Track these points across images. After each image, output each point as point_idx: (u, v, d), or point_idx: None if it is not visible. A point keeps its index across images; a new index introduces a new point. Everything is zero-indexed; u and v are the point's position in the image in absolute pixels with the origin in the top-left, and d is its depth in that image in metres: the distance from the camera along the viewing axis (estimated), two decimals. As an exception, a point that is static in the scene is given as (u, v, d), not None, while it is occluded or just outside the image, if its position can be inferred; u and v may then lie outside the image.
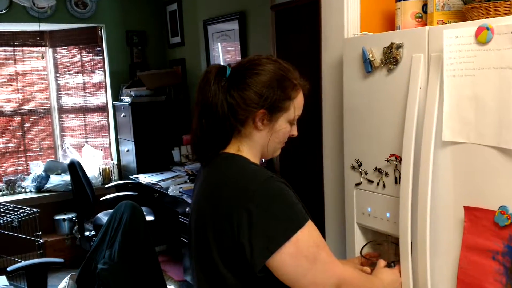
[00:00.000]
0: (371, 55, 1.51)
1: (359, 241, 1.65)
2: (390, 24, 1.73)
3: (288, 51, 2.90)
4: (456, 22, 1.43)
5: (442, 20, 1.46)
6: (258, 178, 1.06)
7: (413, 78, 1.38)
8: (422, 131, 1.35)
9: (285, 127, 1.17)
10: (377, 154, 1.54)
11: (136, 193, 3.72)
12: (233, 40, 3.60)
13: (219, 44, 3.81)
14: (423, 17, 1.56)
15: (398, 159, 1.45)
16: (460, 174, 1.30)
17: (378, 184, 1.54)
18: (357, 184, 1.62)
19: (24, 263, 2.69)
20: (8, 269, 2.58)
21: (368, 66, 1.53)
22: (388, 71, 1.47)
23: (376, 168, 1.54)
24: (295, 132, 1.20)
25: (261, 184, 1.04)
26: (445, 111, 1.30)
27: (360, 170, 1.60)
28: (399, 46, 1.43)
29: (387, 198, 1.51)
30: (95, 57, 4.44)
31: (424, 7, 1.55)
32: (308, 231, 1.04)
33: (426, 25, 1.52)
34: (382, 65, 1.49)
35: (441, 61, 1.29)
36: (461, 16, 1.44)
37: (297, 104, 1.17)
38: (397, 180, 1.47)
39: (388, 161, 1.50)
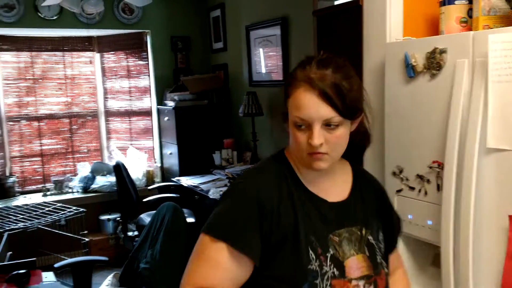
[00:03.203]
0: (413, 60, 1.49)
1: (400, 248, 1.63)
2: (434, 29, 1.70)
3: (329, 50, 2.89)
4: (502, 26, 1.39)
5: (488, 25, 1.43)
6: (242, 175, 1.13)
7: (457, 84, 1.36)
8: (466, 137, 1.33)
9: (293, 131, 1.01)
10: (419, 161, 1.51)
11: (178, 195, 3.80)
12: (274, 46, 3.63)
13: (260, 49, 3.85)
14: (468, 21, 1.53)
15: (441, 166, 1.43)
16: (504, 182, 1.27)
17: (419, 191, 1.52)
18: (398, 191, 1.60)
19: (70, 260, 2.81)
20: (55, 265, 2.70)
21: (411, 71, 1.51)
22: (431, 77, 1.45)
23: (417, 175, 1.52)
24: (310, 140, 0.98)
25: (236, 180, 1.10)
26: (490, 118, 1.27)
27: (401, 176, 1.58)
28: (443, 51, 1.40)
29: (429, 206, 1.49)
30: (141, 62, 4.58)
31: (469, 11, 1.52)
32: (209, 241, 1.00)
33: (471, 29, 1.48)
34: (425, 70, 1.47)
35: (486, 67, 1.27)
36: (507, 20, 1.41)
37: (293, 103, 1.00)
38: (439, 187, 1.44)
39: (430, 167, 1.47)
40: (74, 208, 3.59)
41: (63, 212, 3.57)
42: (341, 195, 1.09)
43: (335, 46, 2.86)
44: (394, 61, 1.58)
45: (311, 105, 0.97)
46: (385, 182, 1.67)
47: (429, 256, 1.62)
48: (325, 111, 0.96)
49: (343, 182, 1.11)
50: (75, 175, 4.48)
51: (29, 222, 3.39)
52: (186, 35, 4.57)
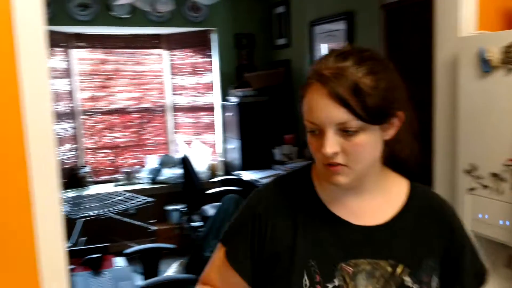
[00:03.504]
0: (489, 54, 1.44)
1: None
2: (509, 22, 1.63)
3: (399, 51, 2.83)
4: None
5: None
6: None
7: (538, 78, 1.29)
8: (547, 135, 1.26)
9: (308, 138, 0.87)
10: (493, 158, 1.46)
11: (242, 188, 3.88)
12: (339, 41, 3.60)
13: (324, 45, 3.83)
14: (551, 12, 1.45)
15: (518, 164, 1.37)
16: None
17: (494, 190, 1.47)
18: (471, 189, 1.55)
19: (140, 247, 2.95)
20: (126, 251, 2.84)
21: (486, 66, 1.46)
22: (507, 71, 1.39)
23: (492, 173, 1.47)
24: (322, 148, 0.82)
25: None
26: None
27: (474, 174, 1.53)
28: (522, 45, 1.34)
29: (504, 205, 1.43)
30: (206, 59, 4.71)
31: (553, 2, 1.44)
32: (220, 243, 0.98)
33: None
34: (501, 65, 1.41)
35: None
36: None
37: (305, 104, 0.85)
38: (515, 187, 1.38)
39: (506, 166, 1.41)
40: (143, 198, 3.77)
41: (132, 202, 3.76)
42: (378, 219, 0.90)
43: (404, 40, 2.80)
44: (468, 55, 1.53)
45: (320, 106, 0.81)
46: (456, 180, 1.62)
47: (503, 257, 1.56)
48: (337, 114, 0.80)
49: (386, 203, 0.91)
50: (144, 167, 4.69)
51: (102, 210, 3.60)
52: (250, 32, 4.63)
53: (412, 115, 0.90)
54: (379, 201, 0.91)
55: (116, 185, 4.48)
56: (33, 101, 1.21)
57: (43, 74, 1.22)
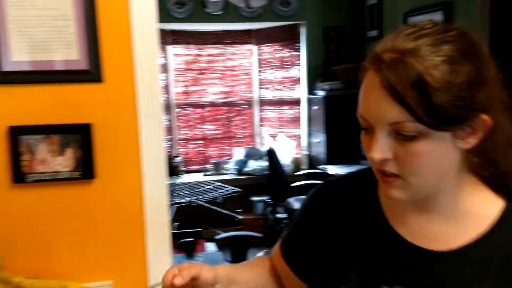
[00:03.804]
0: None
1: None
2: None
3: (505, 46, 2.65)
4: None
5: None
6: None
7: None
8: None
9: (361, 135, 0.72)
10: None
11: (326, 183, 3.87)
12: (434, 33, 3.44)
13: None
14: None
15: None
16: None
17: None
18: None
19: (230, 233, 3.08)
20: (216, 237, 2.98)
21: None
22: None
23: None
24: (370, 152, 0.67)
25: None
26: None
27: None
28: None
29: None
30: (294, 53, 4.74)
31: None
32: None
33: None
34: None
35: None
36: None
37: (359, 94, 0.71)
38: None
39: None
40: (231, 187, 3.90)
41: (221, 191, 3.91)
42: (446, 244, 0.71)
43: None
44: None
45: (371, 99, 0.66)
46: None
47: None
48: (390, 111, 0.63)
49: (463, 227, 0.71)
50: (231, 158, 4.85)
51: (193, 197, 3.78)
52: (339, 24, 4.58)
53: (509, 118, 0.69)
54: (453, 224, 0.71)
55: (204, 175, 4.67)
56: (145, 94, 1.32)
57: (154, 70, 1.32)
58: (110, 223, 1.35)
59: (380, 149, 0.65)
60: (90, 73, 1.25)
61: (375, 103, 0.65)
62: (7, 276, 1.23)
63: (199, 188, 3.98)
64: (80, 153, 1.27)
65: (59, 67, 1.23)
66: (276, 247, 0.91)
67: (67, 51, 1.23)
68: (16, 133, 1.23)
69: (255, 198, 4.56)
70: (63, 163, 1.27)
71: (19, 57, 1.20)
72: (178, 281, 0.74)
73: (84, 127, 1.27)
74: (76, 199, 1.31)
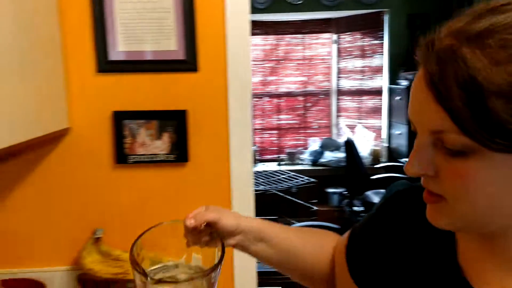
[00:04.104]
0: None
1: None
2: None
3: None
4: None
5: None
6: None
7: None
8: None
9: None
10: None
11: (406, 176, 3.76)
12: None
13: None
14: None
15: None
16: None
17: None
18: None
19: (307, 223, 3.10)
20: (292, 226, 3.02)
21: None
22: None
23: None
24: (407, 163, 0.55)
25: None
26: None
27: None
28: None
29: None
30: (375, 42, 4.62)
31: None
32: None
33: None
34: None
35: None
36: None
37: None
38: None
39: None
40: (306, 178, 3.92)
41: (296, 181, 3.94)
42: None
43: None
44: None
45: (415, 98, 0.53)
46: None
47: None
48: (431, 115, 0.50)
49: None
50: (306, 148, 4.85)
51: (268, 186, 3.85)
52: (425, 12, 4.39)
53: None
54: None
55: (278, 165, 4.72)
56: (236, 83, 1.36)
57: (246, 60, 1.36)
58: (200, 204, 1.41)
59: (417, 162, 0.53)
60: (187, 63, 1.32)
61: (418, 104, 0.52)
62: (107, 249, 1.34)
63: (274, 177, 4.04)
64: (175, 138, 1.35)
65: (158, 57, 1.31)
66: (344, 238, 0.81)
67: (166, 42, 1.30)
68: (120, 118, 1.33)
69: (330, 190, 4.54)
70: (160, 146, 1.35)
71: (124, 47, 1.30)
72: (188, 223, 0.73)
73: (180, 114, 1.34)
74: (170, 180, 1.40)
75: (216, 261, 0.73)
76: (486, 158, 0.48)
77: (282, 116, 4.95)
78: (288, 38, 4.84)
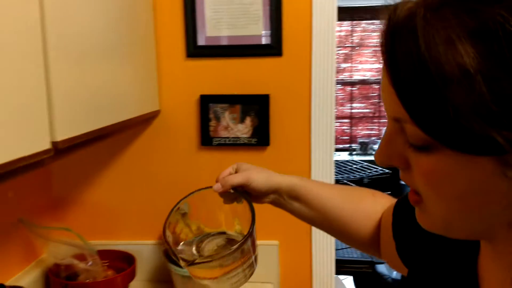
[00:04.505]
0: None
1: None
2: None
3: None
4: None
5: None
6: None
7: None
8: None
9: None
10: None
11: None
12: None
13: None
14: None
15: None
16: None
17: None
18: None
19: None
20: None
21: None
22: None
23: None
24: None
25: None
26: None
27: None
28: None
29: None
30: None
31: None
32: None
33: None
34: None
35: None
36: None
37: None
38: None
39: None
40: (380, 168, 3.83)
41: (368, 171, 3.86)
42: None
43: None
44: None
45: (382, 81, 0.45)
46: None
47: None
48: (388, 100, 0.43)
49: None
50: (379, 138, 4.73)
51: (340, 176, 3.81)
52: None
53: None
54: None
55: (350, 154, 4.65)
56: (320, 68, 1.36)
57: (331, 45, 1.35)
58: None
59: (384, 152, 0.46)
60: (272, 48, 1.33)
61: (382, 84, 0.44)
62: (190, 222, 1.40)
63: (345, 167, 3.98)
64: (257, 122, 1.38)
65: (245, 42, 1.33)
66: (392, 206, 0.73)
67: (252, 27, 1.32)
68: (206, 101, 1.37)
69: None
70: (243, 130, 1.39)
71: (212, 32, 1.33)
72: (215, 188, 0.75)
73: (263, 98, 1.36)
74: (251, 163, 1.43)
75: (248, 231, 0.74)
76: (450, 157, 0.39)
77: (355, 105, 4.86)
78: (364, 24, 4.71)
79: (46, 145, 0.71)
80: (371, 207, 0.79)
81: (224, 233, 0.83)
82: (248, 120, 1.38)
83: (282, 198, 0.79)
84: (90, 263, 1.21)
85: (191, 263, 0.70)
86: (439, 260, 0.57)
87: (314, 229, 1.44)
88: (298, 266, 1.47)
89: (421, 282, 0.58)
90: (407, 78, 0.38)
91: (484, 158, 0.38)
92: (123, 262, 1.35)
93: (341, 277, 2.89)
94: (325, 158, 1.44)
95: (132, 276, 1.30)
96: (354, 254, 2.71)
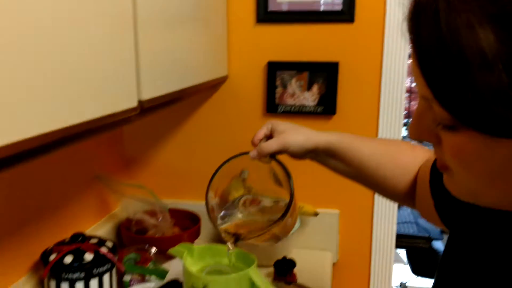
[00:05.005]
0: None
1: None
2: None
3: None
4: None
5: None
6: None
7: None
8: None
9: None
10: None
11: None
12: None
13: None
14: None
15: None
16: None
17: None
18: None
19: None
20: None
21: None
22: None
23: None
24: None
25: None
26: None
27: None
28: None
29: None
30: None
31: None
32: None
33: None
34: None
35: None
36: None
37: None
38: None
39: None
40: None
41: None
42: None
43: None
44: None
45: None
46: None
47: None
48: (417, 78, 0.42)
49: None
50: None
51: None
52: None
53: None
54: None
55: (407, 129, 4.53)
56: (393, 36, 1.32)
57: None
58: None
59: (415, 127, 0.46)
60: (344, 13, 1.30)
61: (411, 63, 0.44)
62: (250, 186, 1.43)
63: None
64: (324, 90, 1.36)
65: (315, 7, 1.31)
66: (429, 164, 0.73)
67: (324, -8, 1.30)
68: (274, 68, 1.37)
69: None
70: (309, 98, 1.38)
71: (283, -3, 1.32)
72: (251, 155, 0.78)
73: (332, 66, 1.35)
74: (316, 132, 1.43)
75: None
76: (475, 137, 0.40)
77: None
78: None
79: (133, 103, 0.74)
80: (410, 162, 0.78)
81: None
82: (315, 88, 1.37)
83: (320, 157, 0.82)
84: (160, 219, 1.27)
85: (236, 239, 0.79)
86: (480, 225, 0.56)
87: (376, 200, 1.43)
88: (358, 236, 1.47)
89: (462, 247, 0.58)
90: (430, 60, 0.38)
91: (508, 139, 0.38)
92: (189, 221, 1.41)
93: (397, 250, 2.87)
94: (393, 132, 1.41)
95: (197, 234, 1.36)
96: (410, 229, 2.68)
